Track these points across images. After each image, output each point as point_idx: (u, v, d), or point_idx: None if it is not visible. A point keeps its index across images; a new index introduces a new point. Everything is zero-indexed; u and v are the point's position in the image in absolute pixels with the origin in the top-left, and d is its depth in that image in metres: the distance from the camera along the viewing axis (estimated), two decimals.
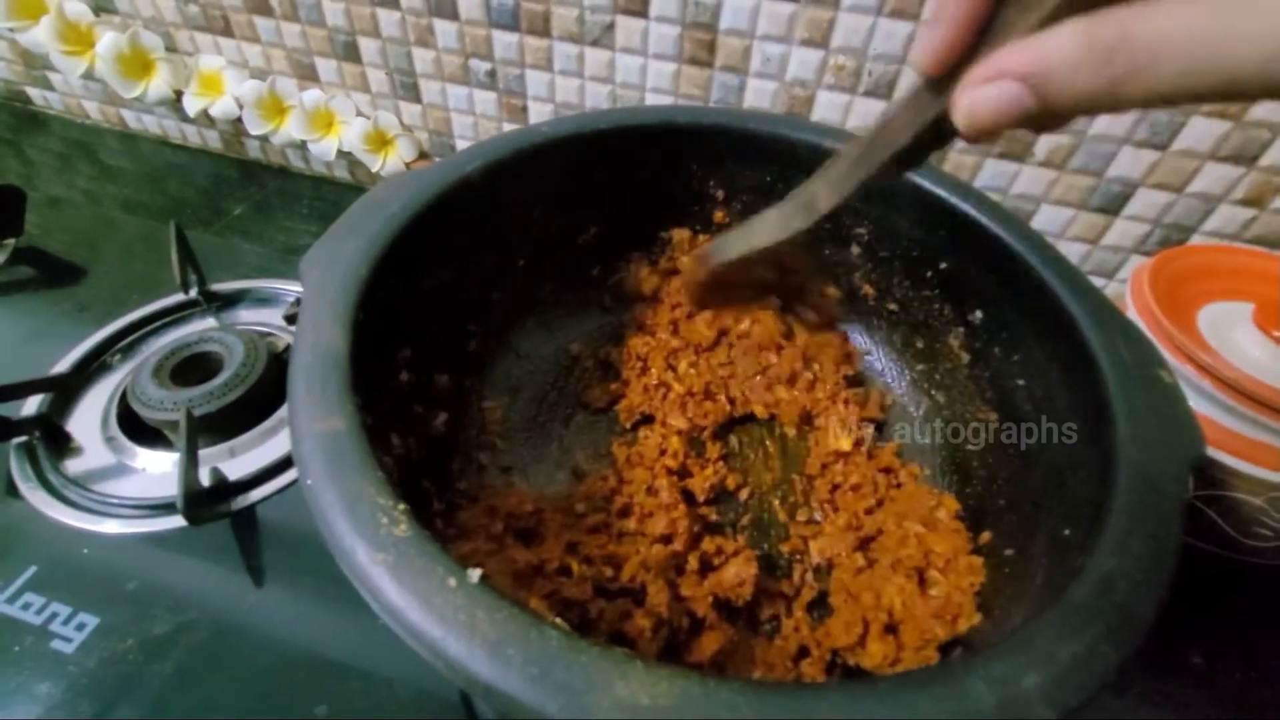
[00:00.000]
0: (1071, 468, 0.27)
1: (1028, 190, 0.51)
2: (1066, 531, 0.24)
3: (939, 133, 0.21)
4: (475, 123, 0.61)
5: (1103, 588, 0.19)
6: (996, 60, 0.17)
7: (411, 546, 0.18)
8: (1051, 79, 0.16)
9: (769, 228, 0.31)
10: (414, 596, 0.17)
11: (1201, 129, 0.45)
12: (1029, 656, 0.17)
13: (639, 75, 0.54)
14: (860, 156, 0.25)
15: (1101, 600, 0.19)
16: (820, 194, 0.28)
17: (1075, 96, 0.16)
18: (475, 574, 0.18)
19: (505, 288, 0.41)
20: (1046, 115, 0.17)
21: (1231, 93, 0.15)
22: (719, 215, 0.45)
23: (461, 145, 0.63)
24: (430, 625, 0.17)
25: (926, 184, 0.37)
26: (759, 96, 0.52)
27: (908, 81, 0.48)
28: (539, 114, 0.59)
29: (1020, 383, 0.32)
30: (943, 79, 0.20)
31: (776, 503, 0.39)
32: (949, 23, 0.18)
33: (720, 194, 0.44)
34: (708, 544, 0.34)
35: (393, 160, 0.63)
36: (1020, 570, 0.26)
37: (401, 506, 0.19)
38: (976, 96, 0.18)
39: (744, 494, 0.39)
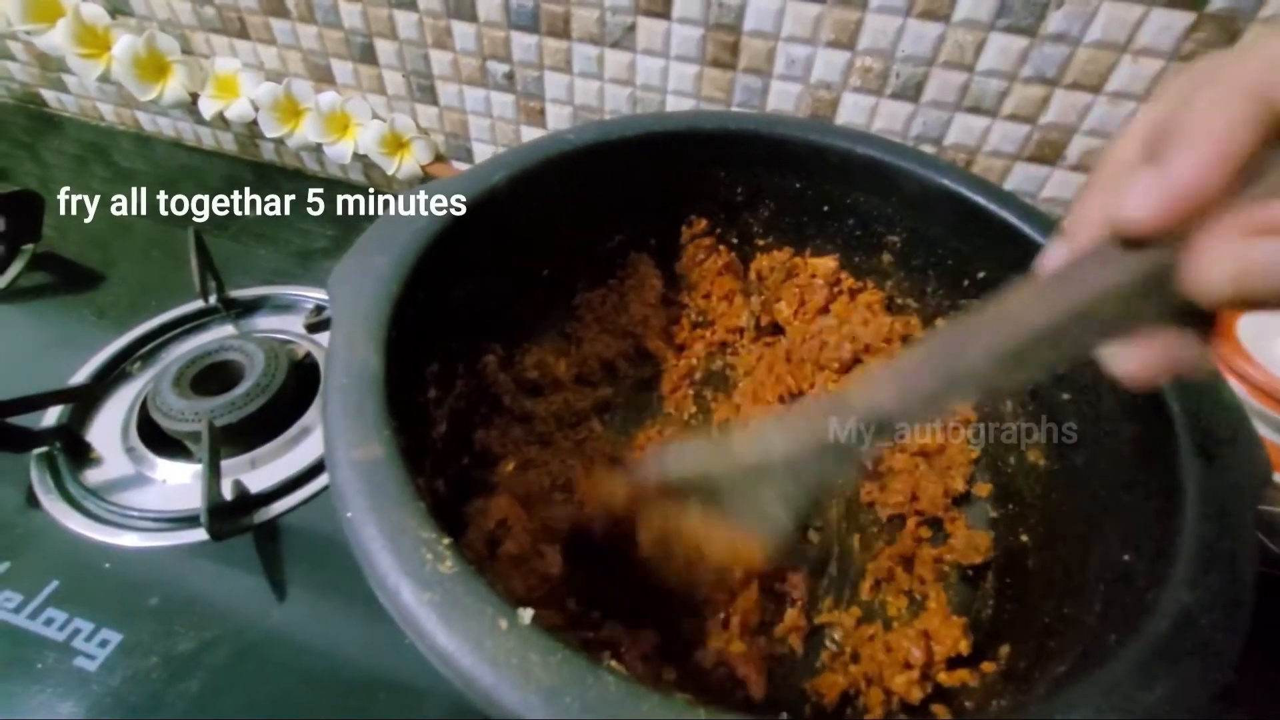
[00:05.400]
0: (1127, 487, 0.26)
1: (1058, 194, 0.50)
2: (1126, 557, 0.23)
3: (1134, 309, 0.16)
4: (492, 125, 0.60)
5: (1182, 624, 0.18)
6: (1269, 210, 0.13)
7: (459, 584, 0.18)
8: None
9: (768, 439, 0.22)
10: (464, 639, 0.17)
11: None
12: (1111, 701, 0.17)
13: (660, 77, 0.53)
14: (948, 348, 0.18)
15: (1183, 638, 0.18)
16: (859, 398, 0.20)
17: None
18: (527, 614, 0.17)
19: (529, 298, 0.40)
20: None
21: None
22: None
23: (478, 148, 0.63)
24: (482, 671, 0.16)
25: (964, 190, 0.36)
26: (782, 99, 0.51)
27: (937, 85, 0.47)
28: (557, 117, 0.58)
29: (1066, 397, 0.31)
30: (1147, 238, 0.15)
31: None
32: (1206, 156, 0.14)
33: (747, 199, 0.44)
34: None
35: (408, 163, 0.62)
36: (1075, 594, 0.25)
37: (446, 540, 0.19)
38: (1251, 251, 0.14)
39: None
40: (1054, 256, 0.18)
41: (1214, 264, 0.14)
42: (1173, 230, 0.15)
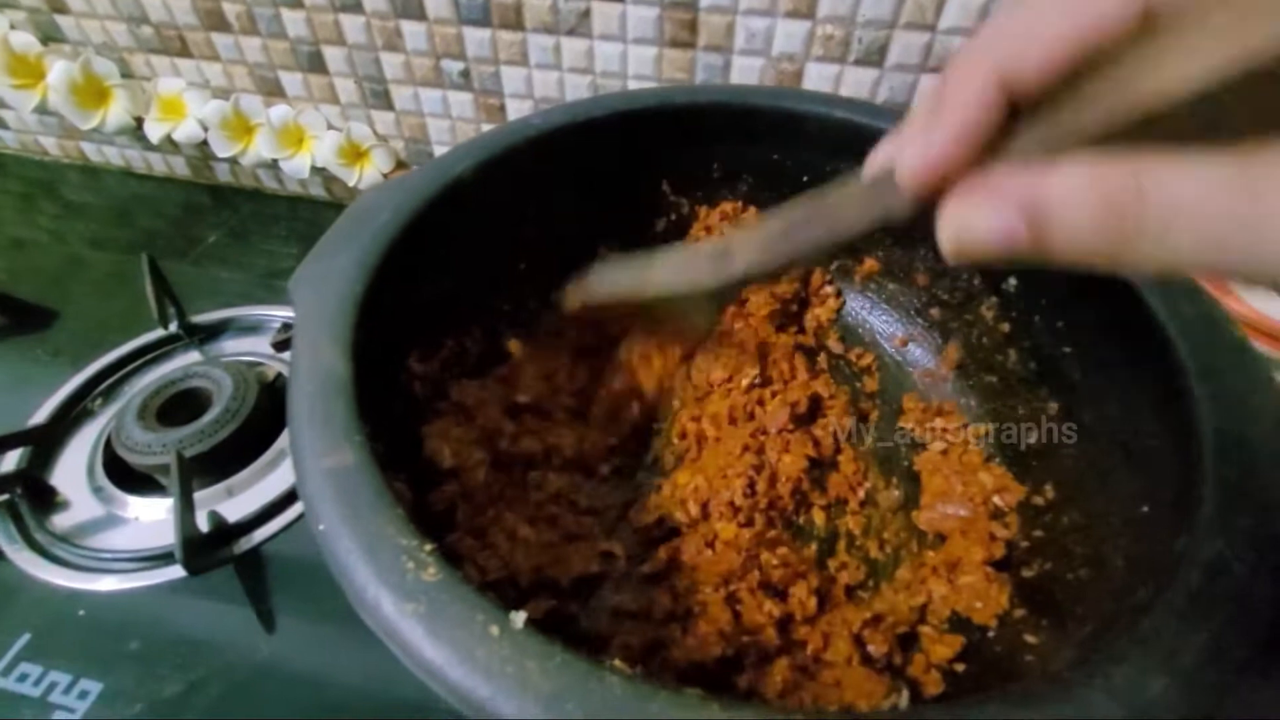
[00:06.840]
0: (1137, 437, 0.25)
1: None
2: (1145, 508, 0.22)
3: (898, 227, 0.20)
4: (452, 126, 0.59)
5: (1214, 573, 0.17)
6: (996, 181, 0.15)
7: (444, 592, 0.16)
8: (1053, 220, 0.14)
9: (669, 272, 0.29)
10: (453, 650, 0.15)
11: None
12: (1150, 658, 0.15)
13: (619, 62, 0.52)
14: (797, 226, 0.23)
15: (1217, 587, 0.17)
16: (739, 252, 0.25)
17: (1074, 248, 0.14)
18: (520, 618, 0.16)
19: (509, 289, 0.39)
20: (1039, 257, 0.15)
21: (1258, 278, 0.13)
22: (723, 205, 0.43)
23: (440, 152, 0.61)
24: (476, 682, 0.15)
25: None
26: (745, 74, 0.50)
27: (900, 48, 0.46)
28: (518, 112, 0.57)
29: (1067, 350, 0.30)
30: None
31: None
32: (952, 132, 0.16)
33: (724, 175, 0.42)
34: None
35: (370, 172, 0.61)
36: (1096, 551, 0.24)
37: (428, 546, 0.17)
38: (969, 217, 0.15)
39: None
40: (877, 162, 0.20)
41: (943, 225, 0.16)
42: (933, 188, 0.17)
